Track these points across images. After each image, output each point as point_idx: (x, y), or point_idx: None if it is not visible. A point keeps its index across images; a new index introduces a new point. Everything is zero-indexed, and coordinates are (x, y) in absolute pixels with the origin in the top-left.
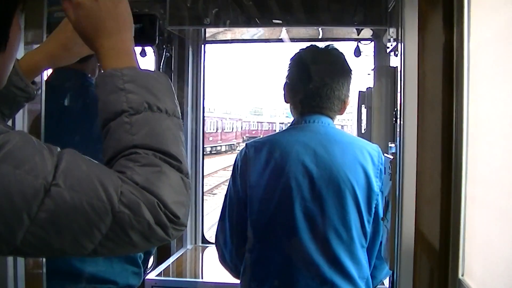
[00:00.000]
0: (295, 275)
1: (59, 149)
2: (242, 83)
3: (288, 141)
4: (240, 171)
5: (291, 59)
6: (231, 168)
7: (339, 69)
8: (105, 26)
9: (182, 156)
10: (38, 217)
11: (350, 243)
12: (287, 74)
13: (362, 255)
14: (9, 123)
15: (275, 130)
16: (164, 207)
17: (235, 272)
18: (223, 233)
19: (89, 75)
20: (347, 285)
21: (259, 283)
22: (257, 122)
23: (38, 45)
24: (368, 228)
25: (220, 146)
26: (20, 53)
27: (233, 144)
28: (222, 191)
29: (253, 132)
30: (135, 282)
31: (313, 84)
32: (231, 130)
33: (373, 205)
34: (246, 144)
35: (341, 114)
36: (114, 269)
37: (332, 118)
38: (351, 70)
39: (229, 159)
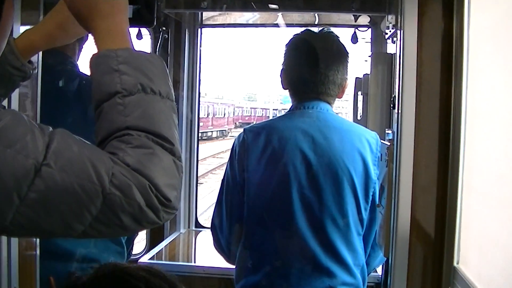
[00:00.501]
0: (290, 261)
1: (51, 128)
2: (237, 69)
3: (287, 127)
4: (237, 156)
5: (286, 44)
6: (221, 155)
7: (333, 53)
8: (100, 7)
9: (175, 139)
10: (28, 197)
11: (346, 231)
12: (283, 60)
13: (358, 243)
14: (5, 102)
15: (268, 116)
16: (155, 189)
17: (229, 257)
18: (219, 218)
19: (70, 55)
20: (342, 272)
21: (254, 268)
22: (251, 108)
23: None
24: (365, 216)
25: (211, 132)
26: (16, 33)
27: (225, 130)
28: (209, 181)
29: (246, 118)
30: (118, 261)
31: (308, 69)
32: (222, 116)
33: (371, 193)
34: (244, 129)
35: (340, 98)
36: (97, 247)
37: (330, 103)
38: (347, 53)
39: (220, 146)
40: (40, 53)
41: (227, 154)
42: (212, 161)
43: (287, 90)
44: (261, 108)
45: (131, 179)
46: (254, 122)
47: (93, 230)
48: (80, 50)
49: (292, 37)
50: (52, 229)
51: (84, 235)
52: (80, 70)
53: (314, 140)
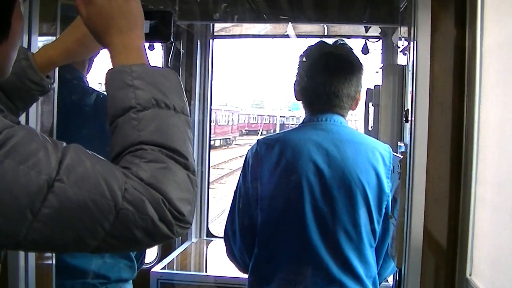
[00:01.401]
0: (303, 273)
1: (64, 144)
2: (246, 77)
3: (300, 139)
4: (250, 168)
5: (300, 56)
6: (223, 166)
7: (348, 65)
8: (116, 23)
9: (189, 153)
10: (41, 213)
11: (359, 243)
12: (296, 71)
13: (371, 255)
14: (23, 116)
15: (275, 124)
16: (169, 203)
17: (243, 268)
18: (232, 229)
19: (79, 69)
20: (355, 284)
21: (267, 280)
22: (257, 115)
23: (52, 37)
24: (378, 228)
25: (214, 140)
26: (34, 45)
27: (229, 139)
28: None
29: (253, 126)
30: (128, 276)
31: (322, 81)
32: (226, 123)
33: (384, 206)
34: (257, 141)
35: (353, 110)
36: (106, 263)
37: (344, 115)
38: (361, 65)
39: (223, 155)
40: (57, 69)
41: (229, 165)
42: (213, 173)
43: (300, 102)
44: (268, 115)
45: (144, 193)
46: (260, 130)
47: (106, 245)
48: (90, 65)
49: (306, 48)
50: (66, 244)
51: (98, 250)
52: (89, 85)
53: (328, 152)
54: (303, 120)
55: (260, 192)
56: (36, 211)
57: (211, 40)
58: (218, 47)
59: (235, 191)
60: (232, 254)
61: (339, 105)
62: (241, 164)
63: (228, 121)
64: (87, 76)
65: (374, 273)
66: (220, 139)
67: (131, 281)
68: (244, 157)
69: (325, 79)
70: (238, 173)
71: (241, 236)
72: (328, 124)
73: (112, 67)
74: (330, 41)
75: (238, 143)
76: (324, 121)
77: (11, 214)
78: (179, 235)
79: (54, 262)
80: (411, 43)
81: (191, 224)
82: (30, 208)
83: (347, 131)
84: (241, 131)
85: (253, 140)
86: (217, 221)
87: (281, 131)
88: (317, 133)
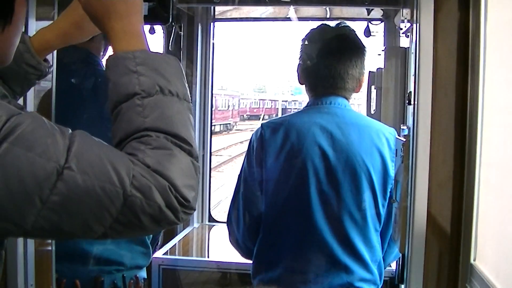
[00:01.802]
0: (308, 257)
1: (70, 130)
2: (247, 61)
3: (305, 122)
4: (255, 151)
5: (302, 39)
6: (222, 153)
7: (351, 47)
8: (115, 8)
9: (192, 140)
10: (50, 200)
11: (364, 227)
12: (299, 55)
13: (376, 239)
14: (20, 101)
15: (277, 108)
16: (175, 190)
17: (246, 253)
18: (236, 213)
19: (95, 53)
20: (360, 268)
21: (272, 265)
22: (259, 99)
23: (50, 22)
24: (383, 212)
25: (214, 126)
26: (31, 28)
27: (229, 124)
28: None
29: (254, 110)
30: (144, 263)
31: (326, 64)
32: (226, 108)
33: (389, 189)
34: (262, 124)
35: (357, 92)
36: (122, 250)
37: (348, 98)
38: (364, 47)
39: (223, 141)
40: (55, 51)
41: (229, 152)
42: (213, 160)
43: (304, 85)
44: (270, 100)
45: (151, 180)
46: (262, 114)
47: (112, 231)
48: (106, 49)
49: (308, 31)
50: (73, 231)
51: (103, 236)
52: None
53: (332, 136)
54: (307, 104)
55: (265, 176)
56: (45, 199)
57: (211, 24)
58: (220, 30)
59: (239, 175)
60: (235, 239)
61: (344, 87)
62: (242, 151)
63: (228, 106)
64: (103, 59)
65: (379, 257)
66: (220, 125)
67: (145, 268)
68: (245, 143)
69: (330, 61)
70: (238, 160)
71: (245, 221)
72: (332, 107)
73: (113, 53)
74: (332, 24)
75: (239, 128)
76: (329, 104)
77: (20, 202)
78: (183, 221)
79: (53, 248)
80: (414, 25)
81: (195, 210)
82: (39, 195)
83: (352, 114)
84: (242, 116)
85: (254, 125)
86: (216, 210)
87: (285, 115)
88: (321, 116)
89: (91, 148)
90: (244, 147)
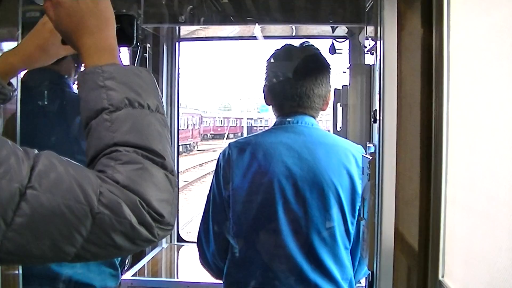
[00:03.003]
0: (278, 277)
1: (36, 151)
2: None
3: (272, 142)
4: (222, 171)
5: (267, 60)
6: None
7: (316, 66)
8: (86, 24)
9: (166, 152)
10: (14, 222)
11: (334, 246)
12: (265, 76)
13: (346, 257)
14: None
15: (243, 127)
16: (147, 205)
17: (216, 273)
18: (206, 234)
19: (65, 75)
20: (331, 286)
21: (242, 284)
22: (224, 117)
23: (14, 42)
24: (352, 230)
25: None
26: None
27: (189, 145)
28: None
29: (219, 129)
30: (113, 284)
31: (292, 84)
32: (185, 127)
33: (357, 207)
34: (229, 144)
35: (324, 110)
36: (91, 271)
37: (315, 117)
38: (329, 65)
39: (182, 164)
40: (20, 74)
41: (185, 176)
42: None
43: (271, 106)
44: (235, 118)
45: (120, 196)
46: (226, 133)
47: (86, 253)
48: (77, 70)
49: (273, 52)
50: (43, 254)
51: (78, 259)
52: (72, 89)
53: (300, 155)
54: (274, 123)
55: (233, 196)
56: (9, 221)
57: (177, 43)
58: (186, 48)
59: (208, 195)
60: (205, 259)
61: (310, 106)
62: (200, 174)
63: (188, 125)
64: (74, 82)
65: (350, 275)
66: (179, 145)
67: None
68: (204, 165)
69: (295, 81)
70: (195, 186)
71: (215, 241)
72: (299, 127)
73: (83, 69)
74: (296, 43)
75: (201, 148)
76: (295, 123)
77: None
78: (161, 238)
79: (21, 271)
80: (378, 42)
81: (173, 226)
82: (3, 217)
83: (319, 133)
84: (206, 135)
85: (218, 145)
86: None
87: (251, 134)
88: (288, 136)
89: (55, 167)
90: (204, 170)
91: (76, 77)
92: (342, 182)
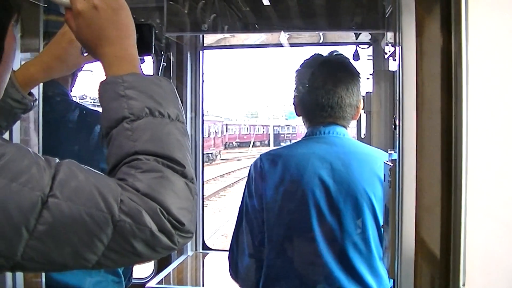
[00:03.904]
0: None
1: (57, 160)
2: (239, 86)
3: (304, 153)
4: (254, 183)
5: (297, 71)
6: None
7: (346, 75)
8: (107, 34)
9: (186, 161)
10: (36, 230)
11: (369, 256)
12: (294, 87)
13: (381, 267)
14: (6, 135)
15: (269, 134)
16: (167, 213)
17: (248, 286)
18: (238, 247)
19: (63, 85)
20: None
21: None
22: (250, 125)
23: (35, 54)
24: None
25: None
26: (16, 61)
27: (211, 154)
28: None
29: (245, 137)
30: None
31: (323, 94)
32: (207, 136)
33: None
34: (260, 156)
35: (355, 119)
36: (93, 278)
37: (346, 127)
38: (358, 73)
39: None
40: (41, 84)
41: (208, 188)
42: None
43: (301, 117)
44: (261, 125)
45: (141, 204)
46: (252, 141)
47: (107, 260)
48: (74, 80)
49: (302, 62)
50: (65, 261)
51: (98, 266)
52: (72, 99)
53: (333, 166)
54: (306, 134)
55: (266, 208)
56: (31, 229)
57: (201, 51)
58: (212, 57)
59: (240, 207)
60: (237, 272)
61: (342, 116)
62: (220, 187)
63: (210, 133)
64: (71, 91)
65: (386, 285)
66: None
67: None
68: (226, 176)
69: (326, 91)
70: (211, 201)
71: (249, 254)
72: (331, 137)
73: (104, 78)
74: (323, 49)
75: (225, 157)
76: (327, 134)
77: (6, 233)
78: (181, 246)
79: (44, 279)
80: (397, 48)
81: (193, 234)
82: (25, 225)
83: (351, 143)
84: (232, 143)
85: (244, 153)
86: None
87: (282, 146)
88: (320, 147)
89: (76, 175)
90: (225, 182)
91: (72, 87)
92: (375, 191)
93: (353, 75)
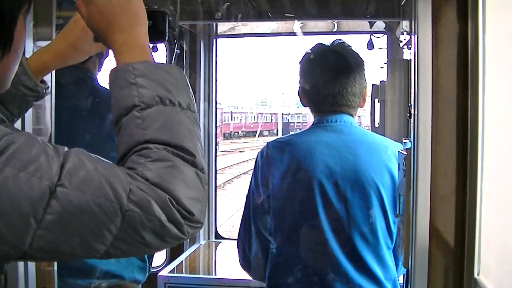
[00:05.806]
0: (321, 278)
1: (66, 149)
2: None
3: (311, 141)
4: (261, 171)
5: (300, 62)
6: None
7: (349, 63)
8: (118, 21)
9: (197, 150)
10: (45, 219)
11: (376, 245)
12: (298, 78)
13: (389, 257)
14: (19, 122)
15: (277, 123)
16: (176, 203)
17: (257, 275)
18: (246, 235)
19: (91, 71)
20: (374, 287)
21: (285, 286)
22: (257, 113)
23: (47, 42)
24: (394, 229)
25: None
26: (29, 49)
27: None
28: None
29: (251, 126)
30: (141, 277)
31: (324, 84)
32: None
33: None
34: (267, 144)
35: (362, 107)
36: (121, 263)
37: (353, 115)
38: (362, 61)
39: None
40: (53, 72)
41: None
42: None
43: (308, 107)
44: (269, 113)
45: (150, 193)
46: (258, 130)
47: (116, 250)
48: (100, 66)
49: (304, 53)
50: (73, 251)
51: (107, 255)
52: (100, 85)
53: (340, 154)
54: (313, 122)
55: (273, 196)
56: (39, 218)
57: (214, 40)
58: (224, 45)
59: (247, 195)
60: (246, 260)
61: (346, 104)
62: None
63: None
64: (97, 76)
65: (394, 275)
66: None
67: (140, 286)
68: (226, 170)
69: (328, 80)
70: None
71: (257, 242)
72: (338, 125)
73: (115, 66)
74: (332, 39)
75: (223, 148)
76: (334, 122)
77: (14, 223)
78: (190, 236)
79: (55, 268)
80: (413, 36)
81: (203, 224)
82: (34, 215)
83: (358, 131)
84: (237, 132)
85: (248, 143)
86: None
87: (289, 134)
88: (327, 135)
89: (85, 165)
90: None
91: (99, 72)
92: (383, 180)
93: (355, 63)
